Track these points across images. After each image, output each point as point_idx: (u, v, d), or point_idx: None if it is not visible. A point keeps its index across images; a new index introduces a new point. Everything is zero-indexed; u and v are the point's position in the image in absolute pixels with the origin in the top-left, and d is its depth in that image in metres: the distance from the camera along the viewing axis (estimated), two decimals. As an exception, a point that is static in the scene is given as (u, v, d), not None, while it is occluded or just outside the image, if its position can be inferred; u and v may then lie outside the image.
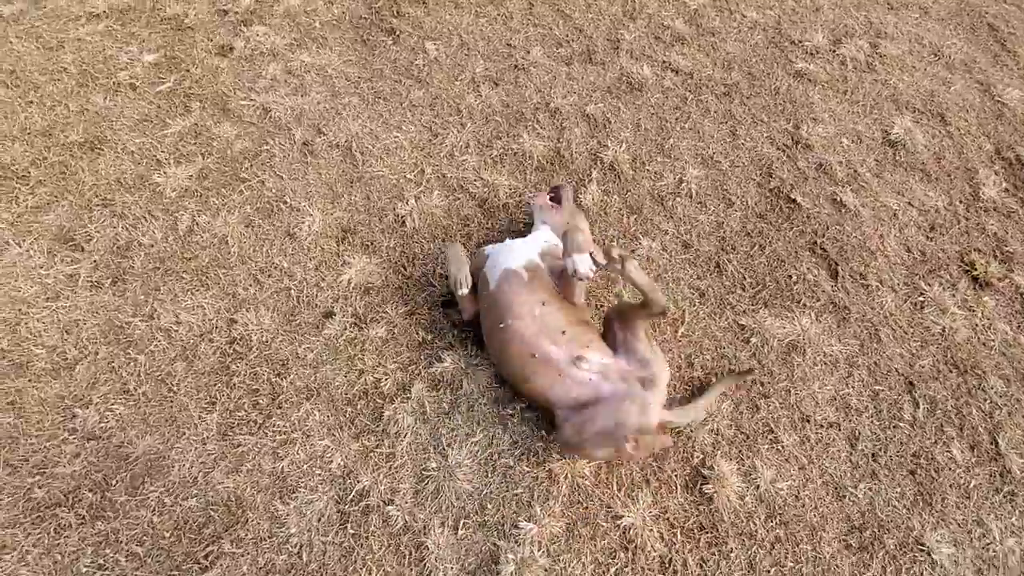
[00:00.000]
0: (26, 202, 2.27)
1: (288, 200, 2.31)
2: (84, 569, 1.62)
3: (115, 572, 1.62)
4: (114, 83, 2.64)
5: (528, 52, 2.79)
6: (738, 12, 3.01)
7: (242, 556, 1.65)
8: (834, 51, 2.84)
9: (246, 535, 1.67)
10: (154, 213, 2.26)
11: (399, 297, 2.09)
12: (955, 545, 1.70)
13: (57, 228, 2.21)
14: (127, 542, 1.66)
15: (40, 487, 1.73)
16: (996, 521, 1.74)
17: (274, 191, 2.33)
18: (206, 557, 1.64)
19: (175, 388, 1.90)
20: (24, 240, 2.17)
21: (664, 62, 2.77)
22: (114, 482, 1.74)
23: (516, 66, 2.74)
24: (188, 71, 2.68)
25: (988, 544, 1.71)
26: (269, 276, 2.13)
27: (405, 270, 2.16)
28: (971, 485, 1.79)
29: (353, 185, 2.37)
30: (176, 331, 2.00)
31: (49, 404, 1.86)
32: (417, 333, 2.01)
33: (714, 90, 2.67)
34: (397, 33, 2.85)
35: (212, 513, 1.70)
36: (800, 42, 2.88)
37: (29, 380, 1.90)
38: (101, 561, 1.63)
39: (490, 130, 2.53)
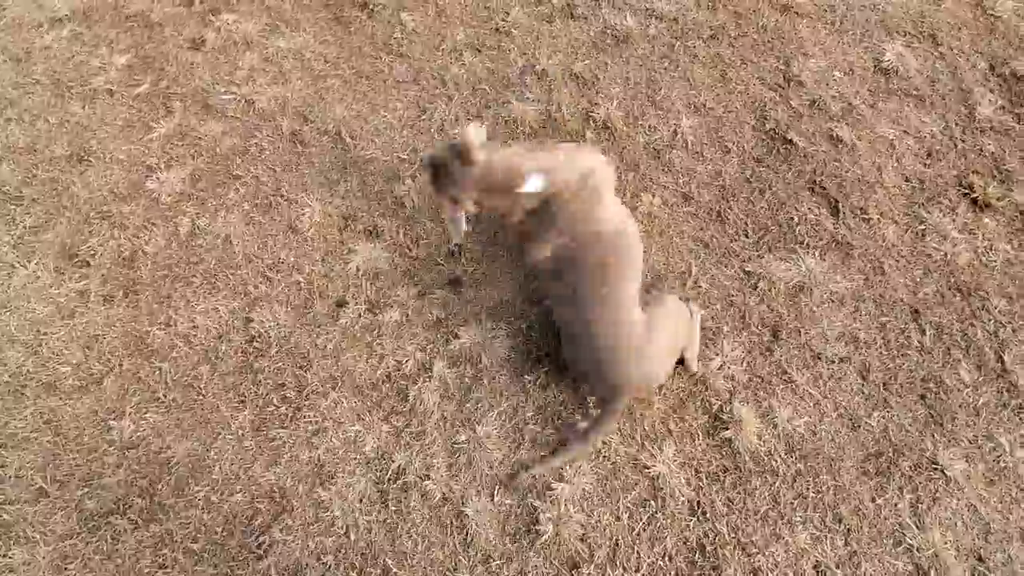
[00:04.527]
0: (23, 222, 2.26)
1: (285, 193, 2.30)
2: (146, 570, 1.70)
3: (176, 569, 1.70)
4: (90, 90, 2.57)
5: (508, 13, 2.71)
6: (718, -53, 2.90)
7: (293, 542, 1.73)
8: (820, -21, 2.76)
9: (294, 522, 1.75)
10: (153, 221, 2.25)
11: (408, 279, 2.11)
12: (967, 461, 1.78)
13: (60, 246, 2.21)
14: (182, 540, 1.74)
15: (90, 498, 1.80)
16: (1005, 435, 1.81)
17: (269, 185, 2.32)
18: (259, 547, 1.73)
19: (203, 391, 1.95)
20: (29, 261, 2.18)
21: (647, 9, 2.69)
22: (160, 486, 1.81)
23: (497, 29, 2.67)
24: (163, 70, 2.61)
25: (999, 457, 1.79)
26: (278, 272, 2.14)
27: (411, 251, 2.17)
28: (980, 403, 1.86)
29: (347, 171, 2.35)
30: (195, 336, 2.03)
31: (84, 419, 1.91)
32: (431, 313, 2.05)
33: (700, 34, 2.61)
34: (371, 7, 2.76)
35: (258, 505, 1.78)
36: (785, -27, 2.79)
37: (60, 398, 1.95)
38: (161, 560, 1.71)
39: (478, 100, 2.49)
